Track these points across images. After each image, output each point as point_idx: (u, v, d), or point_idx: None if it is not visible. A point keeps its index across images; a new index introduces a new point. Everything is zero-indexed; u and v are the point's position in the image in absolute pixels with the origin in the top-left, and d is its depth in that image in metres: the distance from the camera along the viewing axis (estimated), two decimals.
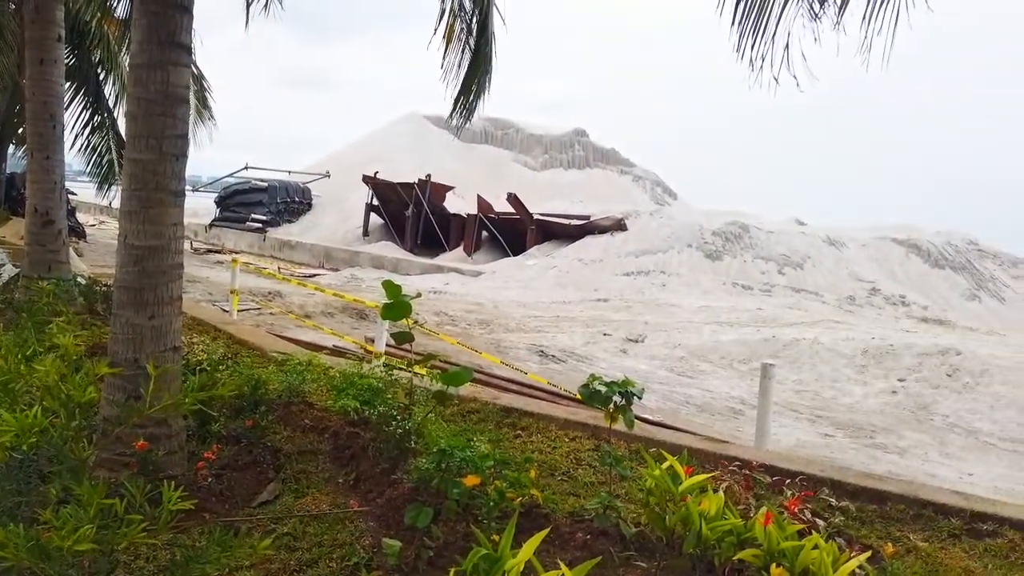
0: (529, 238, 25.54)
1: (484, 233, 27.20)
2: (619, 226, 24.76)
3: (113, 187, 13.33)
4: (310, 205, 33.83)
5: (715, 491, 2.95)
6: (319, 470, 3.73)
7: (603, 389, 3.30)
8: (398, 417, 3.67)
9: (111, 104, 12.75)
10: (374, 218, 30.60)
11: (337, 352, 7.82)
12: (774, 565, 2.53)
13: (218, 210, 33.45)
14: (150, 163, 3.50)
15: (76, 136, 12.60)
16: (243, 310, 11.96)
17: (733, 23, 4.17)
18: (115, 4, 10.43)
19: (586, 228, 25.07)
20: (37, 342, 4.44)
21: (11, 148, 16.46)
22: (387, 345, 7.71)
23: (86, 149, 12.96)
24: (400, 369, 4.42)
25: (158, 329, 3.54)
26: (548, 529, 2.51)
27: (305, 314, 12.80)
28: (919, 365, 11.86)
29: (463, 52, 6.17)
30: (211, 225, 32.44)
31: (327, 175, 35.85)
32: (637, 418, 3.60)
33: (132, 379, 3.40)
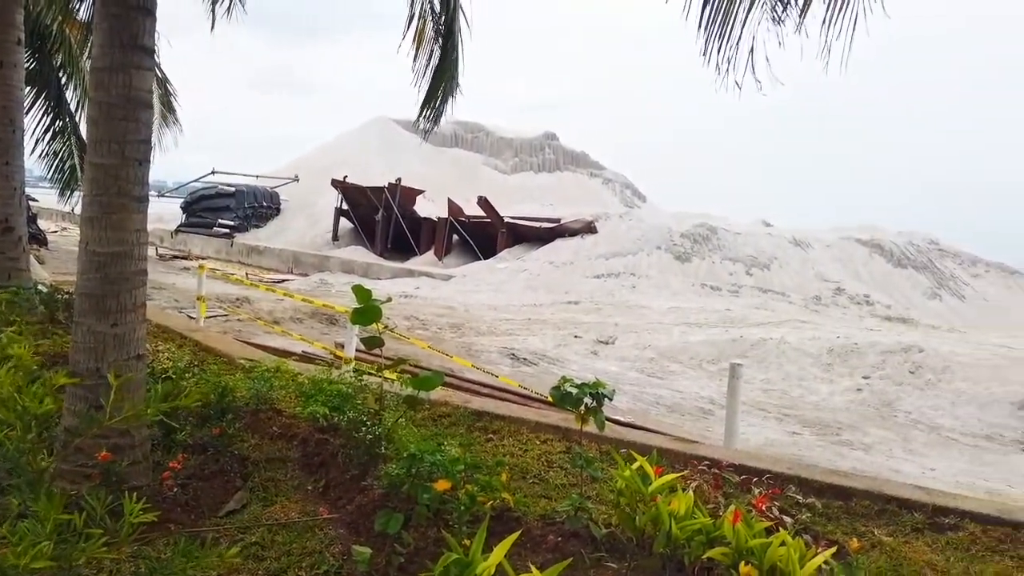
0: (500, 241, 25.54)
1: (455, 237, 27.16)
2: (589, 229, 24.89)
3: (75, 193, 13.05)
4: (279, 210, 33.43)
5: (684, 491, 2.98)
6: (288, 478, 3.68)
7: (574, 391, 3.30)
8: (368, 423, 3.64)
9: (73, 109, 12.48)
10: (344, 222, 30.37)
11: (306, 358, 7.74)
12: (743, 563, 2.56)
13: (184, 215, 32.90)
14: (112, 168, 3.43)
15: (37, 141, 12.30)
16: (210, 317, 11.79)
17: (699, 27, 4.23)
18: (77, 7, 10.22)
19: (556, 231, 25.15)
20: None
21: None
22: (357, 350, 7.67)
23: (47, 154, 12.68)
24: (370, 374, 4.40)
25: (121, 337, 3.47)
26: (519, 532, 2.52)
27: (274, 320, 12.65)
28: (883, 363, 12.10)
29: (431, 56, 6.18)
30: (177, 231, 31.91)
31: (296, 179, 35.44)
32: (608, 419, 3.62)
33: (94, 389, 3.32)
